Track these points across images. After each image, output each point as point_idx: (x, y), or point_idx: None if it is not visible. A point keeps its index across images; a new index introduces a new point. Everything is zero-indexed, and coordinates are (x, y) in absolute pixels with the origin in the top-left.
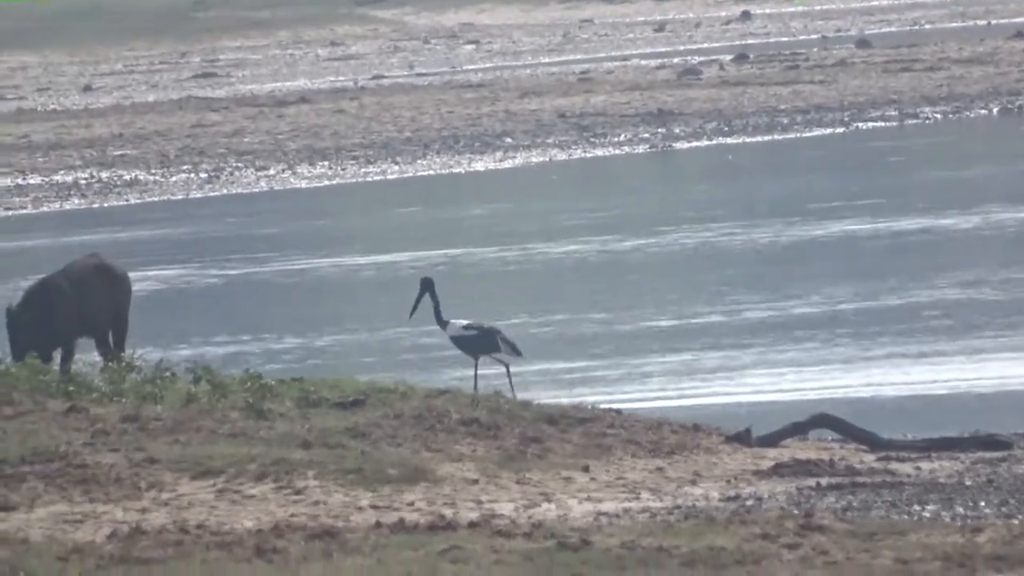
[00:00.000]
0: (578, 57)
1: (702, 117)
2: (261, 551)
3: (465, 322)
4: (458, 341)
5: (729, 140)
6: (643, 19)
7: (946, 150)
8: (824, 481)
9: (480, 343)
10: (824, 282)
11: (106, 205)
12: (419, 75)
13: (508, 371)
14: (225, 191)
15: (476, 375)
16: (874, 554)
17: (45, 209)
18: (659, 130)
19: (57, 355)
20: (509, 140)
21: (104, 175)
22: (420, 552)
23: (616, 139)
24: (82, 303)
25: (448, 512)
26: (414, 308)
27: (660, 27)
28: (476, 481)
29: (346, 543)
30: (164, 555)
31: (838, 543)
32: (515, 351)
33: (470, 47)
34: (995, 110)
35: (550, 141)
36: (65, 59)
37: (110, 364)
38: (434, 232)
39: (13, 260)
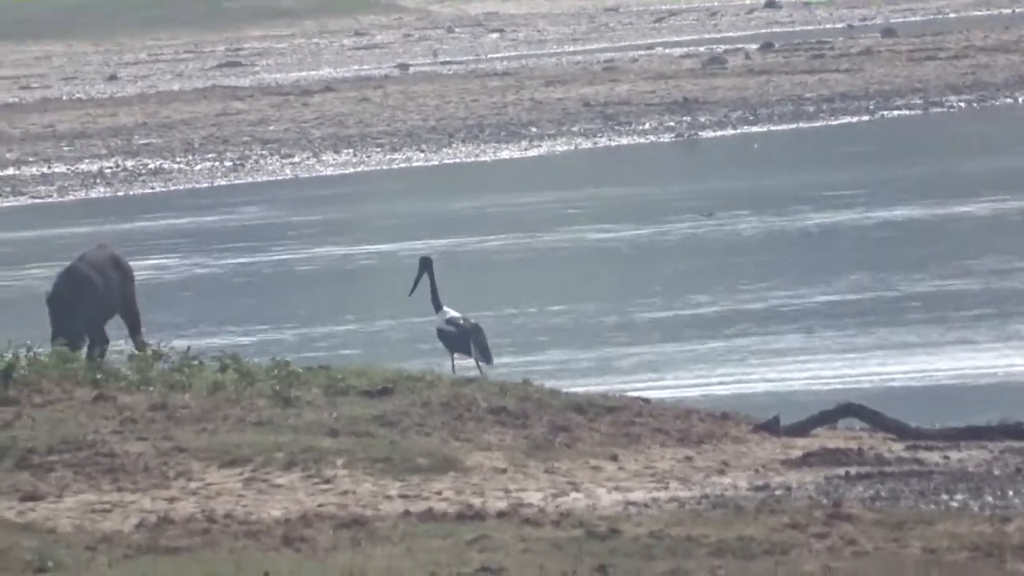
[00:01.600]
0: (603, 46)
1: (727, 106)
2: (289, 540)
3: (453, 314)
4: (439, 333)
5: (755, 129)
6: (668, 8)
7: (972, 139)
8: (853, 470)
9: (453, 341)
10: (851, 270)
11: (131, 193)
12: (444, 64)
13: (453, 359)
14: (250, 179)
15: (453, 363)
16: (902, 544)
17: (71, 198)
18: (684, 119)
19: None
20: (534, 129)
21: (129, 164)
22: (448, 541)
23: (641, 128)
24: (105, 290)
25: (476, 501)
26: (414, 287)
27: (685, 16)
28: (504, 470)
29: (374, 532)
30: (192, 544)
31: (866, 532)
32: (486, 358)
33: (495, 36)
34: (1020, 99)
35: (575, 129)
36: (90, 48)
37: (137, 352)
38: (460, 220)
39: (38, 248)
